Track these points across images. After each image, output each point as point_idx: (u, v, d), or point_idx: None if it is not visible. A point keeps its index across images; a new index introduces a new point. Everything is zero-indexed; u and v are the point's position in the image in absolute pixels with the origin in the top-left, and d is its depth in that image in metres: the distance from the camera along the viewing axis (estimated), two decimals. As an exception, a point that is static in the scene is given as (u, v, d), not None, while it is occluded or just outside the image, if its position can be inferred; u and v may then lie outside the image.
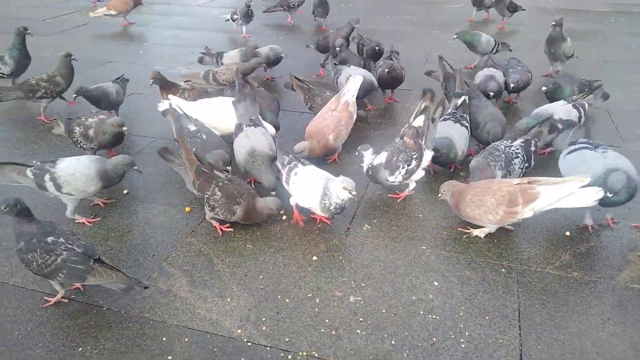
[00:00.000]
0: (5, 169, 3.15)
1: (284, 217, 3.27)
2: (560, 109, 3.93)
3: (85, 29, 7.87)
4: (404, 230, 3.15)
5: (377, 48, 5.22)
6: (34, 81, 4.54)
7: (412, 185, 3.46)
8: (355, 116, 3.99)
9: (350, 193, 2.92)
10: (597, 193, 2.78)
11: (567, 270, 2.81)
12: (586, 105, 4.04)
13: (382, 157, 3.33)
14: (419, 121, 3.34)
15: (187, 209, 3.33)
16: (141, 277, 2.74)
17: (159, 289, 2.69)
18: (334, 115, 3.84)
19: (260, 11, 7.77)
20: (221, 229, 3.14)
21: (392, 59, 4.96)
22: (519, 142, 3.36)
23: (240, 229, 3.16)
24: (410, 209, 3.37)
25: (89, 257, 2.49)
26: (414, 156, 3.28)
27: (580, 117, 3.93)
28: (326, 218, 3.17)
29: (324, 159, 3.92)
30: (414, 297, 2.62)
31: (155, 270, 2.82)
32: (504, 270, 2.82)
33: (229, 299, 2.62)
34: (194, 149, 3.46)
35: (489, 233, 3.07)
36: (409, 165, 3.27)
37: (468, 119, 3.79)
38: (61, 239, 2.49)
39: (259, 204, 3.07)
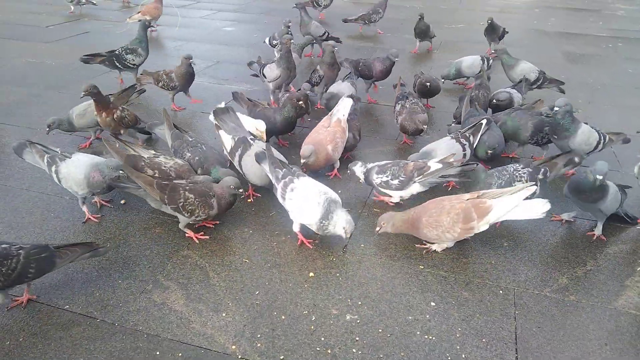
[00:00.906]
0: (34, 149, 3.33)
1: (284, 237, 3.25)
2: (442, 146, 3.76)
3: (87, 36, 7.91)
4: (402, 249, 3.14)
5: (428, 84, 5.00)
6: (161, 72, 5.07)
7: (394, 199, 3.58)
8: (347, 132, 4.03)
9: (345, 235, 3.00)
10: (544, 205, 2.88)
11: (564, 294, 2.81)
12: (471, 139, 3.81)
13: (382, 163, 3.55)
14: (436, 166, 3.42)
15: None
16: (135, 289, 2.73)
17: (154, 301, 2.66)
18: (329, 130, 3.89)
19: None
20: (196, 237, 3.15)
21: (406, 99, 4.56)
22: (523, 167, 3.38)
23: (238, 243, 3.15)
24: (408, 227, 3.37)
25: (47, 245, 2.55)
26: (401, 179, 3.42)
27: (464, 154, 3.76)
28: None
29: (325, 175, 3.93)
30: (410, 317, 2.60)
31: (151, 283, 2.79)
32: (501, 292, 2.81)
33: (224, 314, 2.59)
34: (196, 158, 3.53)
35: (447, 247, 3.12)
36: (391, 180, 3.45)
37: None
38: (4, 245, 2.48)
39: (219, 189, 3.12)
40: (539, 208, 2.89)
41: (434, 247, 3.12)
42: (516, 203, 2.89)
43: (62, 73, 6.18)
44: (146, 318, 2.56)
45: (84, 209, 3.32)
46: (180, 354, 2.36)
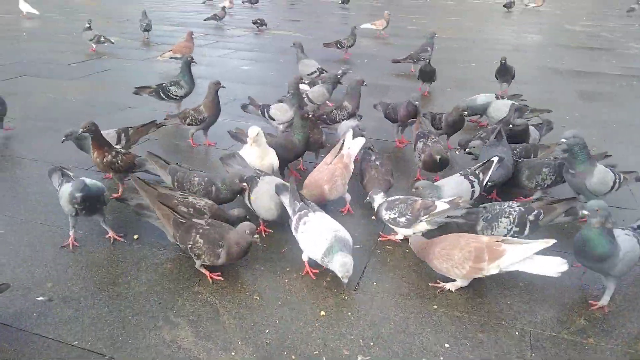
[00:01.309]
0: (59, 173, 3.61)
1: (295, 274, 3.23)
2: (452, 183, 3.75)
3: (108, 74, 8.14)
4: (415, 288, 3.09)
5: (466, 112, 5.07)
6: (187, 109, 5.17)
7: (399, 236, 3.57)
8: (352, 167, 4.03)
9: (342, 277, 2.96)
10: (561, 265, 2.79)
11: (582, 336, 2.72)
12: (481, 176, 3.75)
13: (391, 199, 3.57)
14: (443, 206, 3.37)
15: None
16: (145, 325, 2.71)
17: (163, 338, 2.64)
18: (329, 168, 3.91)
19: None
20: (211, 277, 3.12)
21: (427, 137, 4.40)
22: (518, 206, 3.34)
23: (249, 279, 3.13)
24: (421, 266, 3.32)
25: None
26: (407, 216, 3.42)
27: (472, 191, 3.72)
28: None
29: (339, 211, 3.93)
30: (424, 359, 2.53)
31: (161, 319, 2.77)
32: (517, 333, 2.74)
33: (233, 353, 2.55)
34: (205, 179, 3.66)
35: (461, 286, 3.07)
36: (398, 217, 3.44)
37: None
38: None
39: (235, 236, 3.06)
40: (556, 267, 2.81)
41: (447, 286, 3.07)
42: (530, 253, 2.84)
43: (82, 109, 6.33)
44: (155, 356, 2.53)
45: (70, 233, 3.39)
46: (187, 394, 2.32)
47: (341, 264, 2.93)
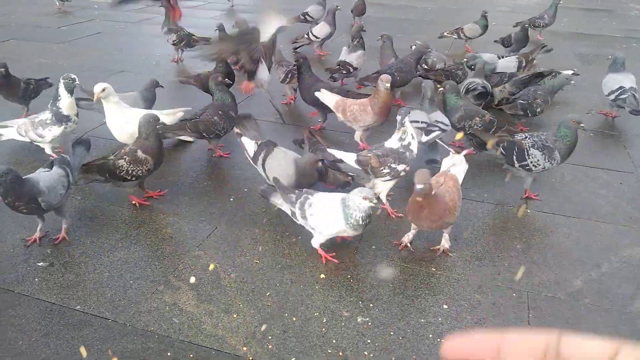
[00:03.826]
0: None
1: (294, 238, 3.24)
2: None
3: (99, 37, 7.96)
4: (413, 251, 3.12)
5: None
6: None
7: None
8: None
9: (371, 202, 2.75)
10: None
11: (578, 297, 2.77)
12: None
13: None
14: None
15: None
16: (146, 289, 2.73)
17: (165, 302, 2.67)
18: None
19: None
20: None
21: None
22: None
23: (248, 244, 3.15)
24: (419, 230, 3.33)
25: None
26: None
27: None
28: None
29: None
30: (422, 320, 2.58)
31: (162, 283, 2.80)
32: (514, 294, 2.78)
33: (235, 315, 2.59)
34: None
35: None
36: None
37: None
38: None
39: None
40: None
41: (405, 239, 3.11)
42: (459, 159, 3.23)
43: (74, 73, 6.20)
44: (157, 319, 2.56)
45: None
46: (191, 355, 2.36)
47: (358, 191, 2.77)
